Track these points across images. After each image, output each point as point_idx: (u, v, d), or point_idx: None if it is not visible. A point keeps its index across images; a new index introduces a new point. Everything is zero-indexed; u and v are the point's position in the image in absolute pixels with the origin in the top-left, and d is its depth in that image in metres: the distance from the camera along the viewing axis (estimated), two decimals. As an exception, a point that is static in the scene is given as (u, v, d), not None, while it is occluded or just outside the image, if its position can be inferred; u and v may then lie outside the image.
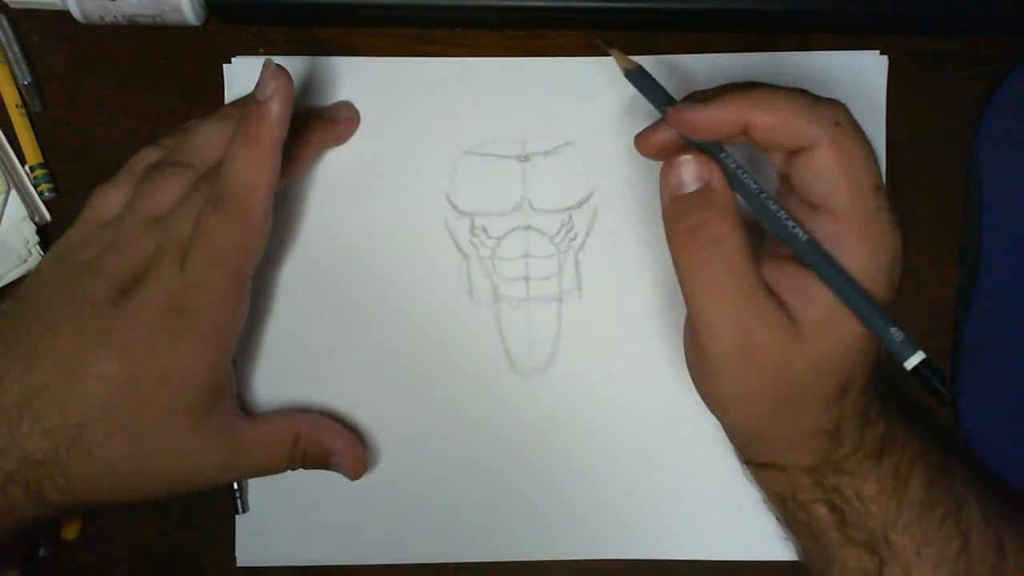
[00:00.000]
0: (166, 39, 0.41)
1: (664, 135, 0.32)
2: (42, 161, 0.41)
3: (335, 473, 0.39)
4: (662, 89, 0.32)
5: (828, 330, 0.29)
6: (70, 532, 0.40)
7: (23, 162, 0.41)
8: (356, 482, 0.40)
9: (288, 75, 0.33)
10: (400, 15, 0.39)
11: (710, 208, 0.30)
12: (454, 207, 0.40)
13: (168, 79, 0.41)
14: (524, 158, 0.40)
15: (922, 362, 0.26)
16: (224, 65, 0.40)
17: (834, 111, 0.29)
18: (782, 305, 0.29)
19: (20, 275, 0.40)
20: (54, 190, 0.41)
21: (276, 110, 0.33)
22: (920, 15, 0.38)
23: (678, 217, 0.30)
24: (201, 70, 0.41)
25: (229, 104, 0.39)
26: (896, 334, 0.27)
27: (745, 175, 0.29)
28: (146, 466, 0.33)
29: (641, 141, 0.33)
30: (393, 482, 0.40)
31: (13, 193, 0.40)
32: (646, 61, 0.39)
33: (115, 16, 0.39)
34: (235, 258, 0.34)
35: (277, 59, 0.40)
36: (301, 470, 0.39)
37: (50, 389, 0.32)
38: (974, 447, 0.39)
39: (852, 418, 0.31)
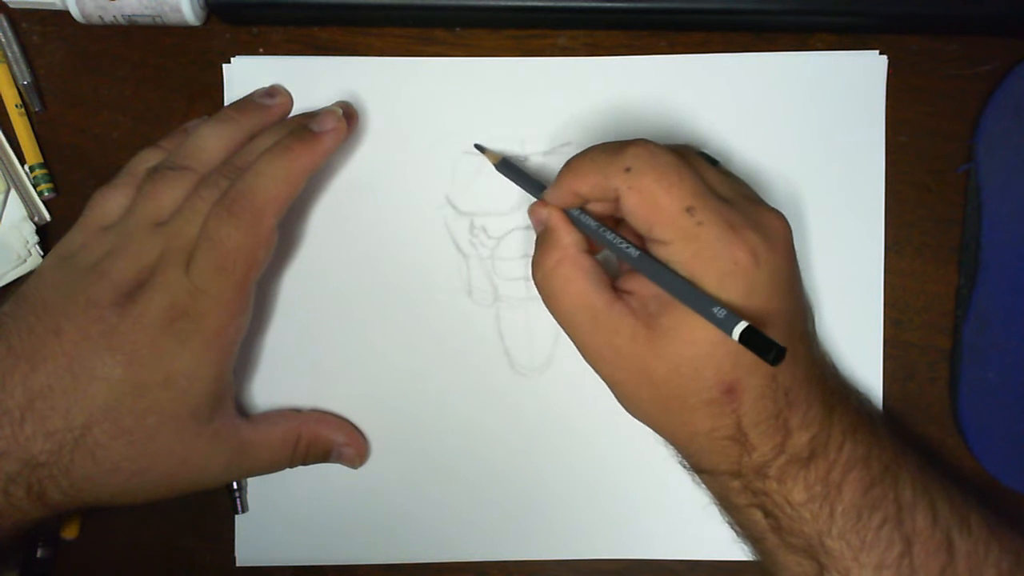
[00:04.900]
0: (166, 39, 0.41)
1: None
2: (42, 161, 0.41)
3: (334, 474, 0.40)
4: (529, 178, 0.37)
5: (682, 333, 0.31)
6: (70, 532, 0.40)
7: (23, 162, 0.41)
8: (355, 482, 0.40)
9: (347, 125, 0.37)
10: (400, 15, 0.39)
11: (544, 245, 0.34)
12: (454, 207, 0.40)
13: (168, 79, 0.41)
14: (524, 158, 0.40)
15: (745, 330, 0.29)
16: (224, 65, 0.40)
17: (626, 158, 0.31)
18: (644, 314, 0.32)
19: (20, 275, 0.40)
20: (54, 190, 0.41)
21: (326, 146, 0.36)
22: (920, 15, 0.38)
23: (534, 259, 0.34)
24: (201, 70, 0.41)
25: (229, 106, 0.39)
26: (719, 312, 0.29)
27: (584, 215, 0.33)
28: (149, 468, 0.34)
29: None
30: (392, 482, 0.40)
31: (13, 193, 0.40)
32: (646, 61, 0.40)
33: (115, 16, 0.39)
34: (242, 265, 0.34)
35: (277, 59, 0.40)
36: (300, 468, 0.39)
37: (54, 391, 0.32)
38: (973, 448, 0.39)
39: (757, 423, 0.31)
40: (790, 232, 0.33)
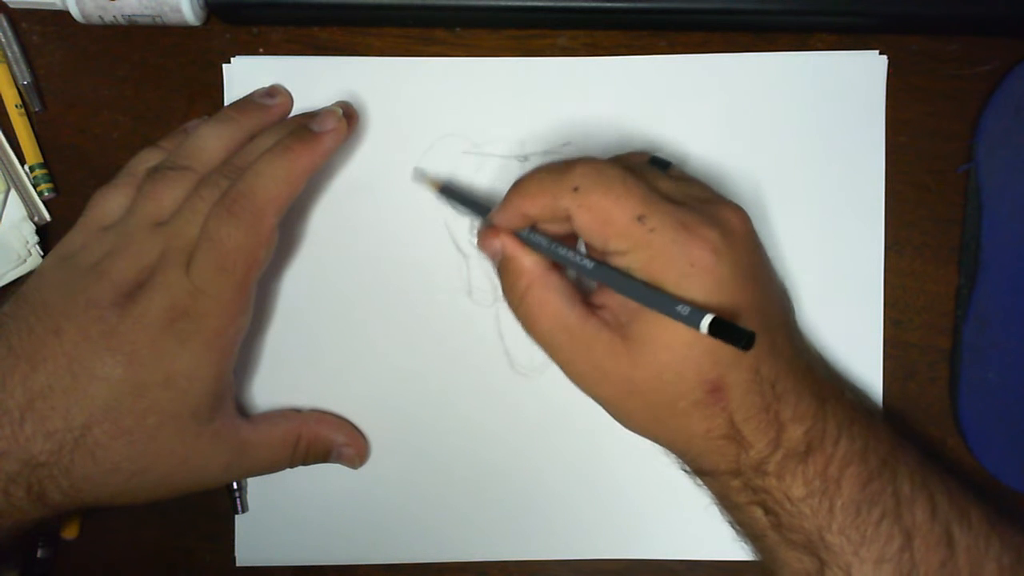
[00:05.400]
0: (166, 39, 0.41)
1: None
2: (42, 161, 0.41)
3: (334, 474, 0.40)
4: (473, 201, 0.38)
5: (655, 339, 0.31)
6: (70, 532, 0.40)
7: (23, 162, 0.41)
8: (356, 482, 0.40)
9: (347, 125, 0.37)
10: (400, 15, 0.39)
11: (509, 273, 0.34)
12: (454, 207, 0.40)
13: (168, 79, 0.41)
14: (523, 158, 0.40)
15: (712, 322, 0.29)
16: (224, 65, 0.40)
17: (573, 177, 0.32)
18: (617, 325, 0.32)
19: (20, 275, 0.40)
20: (54, 190, 0.41)
21: (327, 146, 0.36)
22: (920, 15, 0.38)
23: (503, 289, 0.34)
24: (201, 70, 0.41)
25: (229, 106, 0.39)
26: (683, 309, 0.29)
27: (534, 235, 0.33)
28: (149, 468, 0.33)
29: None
30: (393, 482, 0.40)
31: (13, 193, 0.40)
32: (646, 61, 0.40)
33: (115, 16, 0.39)
34: (242, 265, 0.34)
35: (277, 59, 0.40)
36: (300, 468, 0.39)
37: (54, 391, 0.32)
38: (973, 448, 0.39)
39: (748, 418, 0.31)
40: (750, 224, 0.33)
